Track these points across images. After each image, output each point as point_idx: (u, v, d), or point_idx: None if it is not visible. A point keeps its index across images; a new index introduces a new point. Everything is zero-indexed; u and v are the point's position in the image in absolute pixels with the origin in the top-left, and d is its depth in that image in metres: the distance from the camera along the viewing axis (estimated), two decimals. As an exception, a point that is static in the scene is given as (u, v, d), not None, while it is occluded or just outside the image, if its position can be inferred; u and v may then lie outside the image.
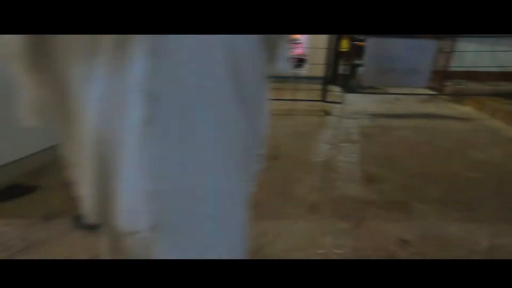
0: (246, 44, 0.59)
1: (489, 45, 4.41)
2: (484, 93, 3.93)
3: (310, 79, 4.25)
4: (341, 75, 5.10)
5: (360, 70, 3.65)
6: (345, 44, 5.43)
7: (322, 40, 3.73)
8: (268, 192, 1.70)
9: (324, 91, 3.90)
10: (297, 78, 4.44)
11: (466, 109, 3.86)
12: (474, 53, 4.15)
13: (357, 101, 4.13)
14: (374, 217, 1.59)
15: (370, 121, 3.29)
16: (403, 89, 3.82)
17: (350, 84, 4.71)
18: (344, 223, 1.52)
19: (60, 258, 1.23)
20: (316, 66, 3.81)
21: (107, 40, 0.49)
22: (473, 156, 2.35)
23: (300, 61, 6.98)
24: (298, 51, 7.16)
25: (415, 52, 3.52)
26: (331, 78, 4.34)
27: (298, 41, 7.05)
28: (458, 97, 4.13)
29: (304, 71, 6.34)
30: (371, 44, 3.53)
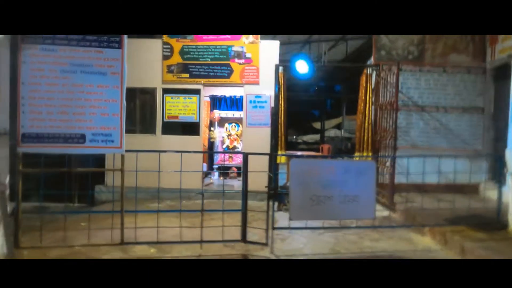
0: None
1: (430, 159, 3.99)
2: (440, 217, 3.19)
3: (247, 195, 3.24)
4: (279, 193, 4.24)
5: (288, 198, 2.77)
6: (283, 159, 4.80)
7: (259, 150, 2.94)
8: None
9: (245, 226, 2.86)
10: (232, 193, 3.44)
11: (426, 242, 2.99)
12: (418, 166, 3.61)
13: (290, 237, 3.08)
14: None
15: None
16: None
17: (286, 210, 3.78)
18: None
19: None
20: (255, 180, 2.93)
21: None
22: None
23: (238, 173, 6.22)
24: (236, 160, 6.50)
25: (353, 176, 2.76)
26: (271, 195, 3.33)
27: (237, 150, 6.46)
28: (416, 227, 3.32)
29: (239, 181, 5.49)
30: (296, 165, 2.75)
